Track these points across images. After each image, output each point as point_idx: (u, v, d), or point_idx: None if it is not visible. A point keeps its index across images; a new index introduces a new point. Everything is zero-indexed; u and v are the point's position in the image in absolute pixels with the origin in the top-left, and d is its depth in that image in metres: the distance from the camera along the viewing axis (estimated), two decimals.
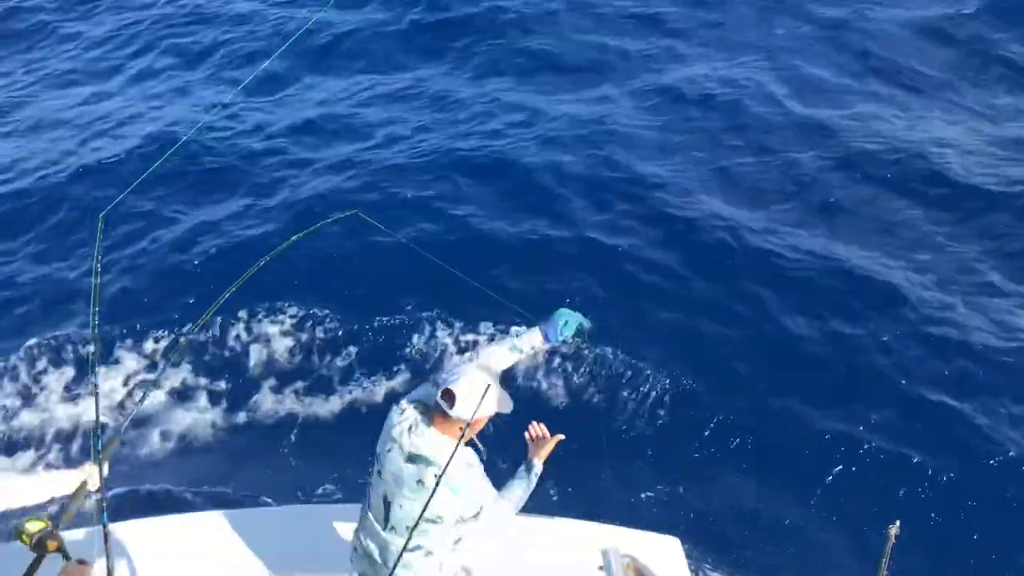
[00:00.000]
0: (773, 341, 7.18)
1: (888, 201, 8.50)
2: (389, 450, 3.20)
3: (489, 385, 3.05)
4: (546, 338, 3.39)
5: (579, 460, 6.00)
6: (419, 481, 3.11)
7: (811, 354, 7.04)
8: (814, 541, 5.80)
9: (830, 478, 6.14)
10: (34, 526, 3.03)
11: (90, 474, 3.23)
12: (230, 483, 6.24)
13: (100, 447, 3.23)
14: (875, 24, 11.18)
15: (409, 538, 3.01)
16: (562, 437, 3.36)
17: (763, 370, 6.93)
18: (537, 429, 3.39)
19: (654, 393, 6.77)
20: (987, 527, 5.78)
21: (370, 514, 3.32)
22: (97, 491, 3.23)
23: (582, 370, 6.97)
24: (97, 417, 3.22)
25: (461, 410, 3.02)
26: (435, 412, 3.14)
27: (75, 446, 6.22)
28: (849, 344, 7.09)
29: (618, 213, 8.50)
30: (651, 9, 12.00)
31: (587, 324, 3.45)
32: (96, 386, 3.43)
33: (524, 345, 3.40)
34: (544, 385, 6.89)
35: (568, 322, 3.40)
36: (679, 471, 6.25)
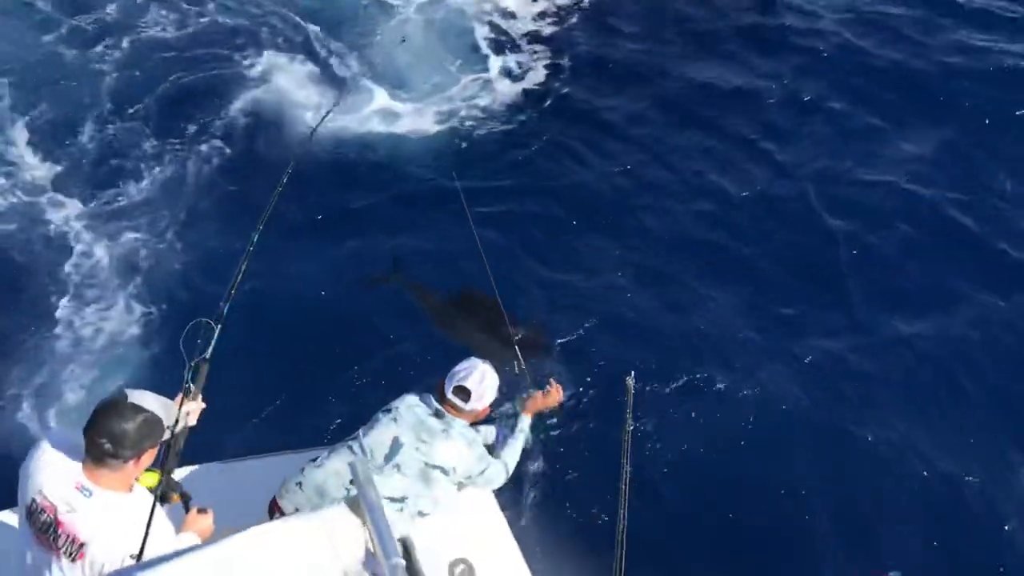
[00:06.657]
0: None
1: None
2: (411, 405, 3.57)
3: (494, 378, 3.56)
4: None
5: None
6: (444, 431, 3.49)
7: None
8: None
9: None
10: (150, 480, 2.94)
11: (186, 409, 3.04)
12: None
13: (191, 380, 3.14)
14: None
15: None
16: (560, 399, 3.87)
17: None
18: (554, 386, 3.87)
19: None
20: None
21: (360, 449, 3.52)
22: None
23: None
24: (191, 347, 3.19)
25: (475, 404, 3.52)
26: (448, 404, 3.55)
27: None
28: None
29: None
30: None
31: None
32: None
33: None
34: None
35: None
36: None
